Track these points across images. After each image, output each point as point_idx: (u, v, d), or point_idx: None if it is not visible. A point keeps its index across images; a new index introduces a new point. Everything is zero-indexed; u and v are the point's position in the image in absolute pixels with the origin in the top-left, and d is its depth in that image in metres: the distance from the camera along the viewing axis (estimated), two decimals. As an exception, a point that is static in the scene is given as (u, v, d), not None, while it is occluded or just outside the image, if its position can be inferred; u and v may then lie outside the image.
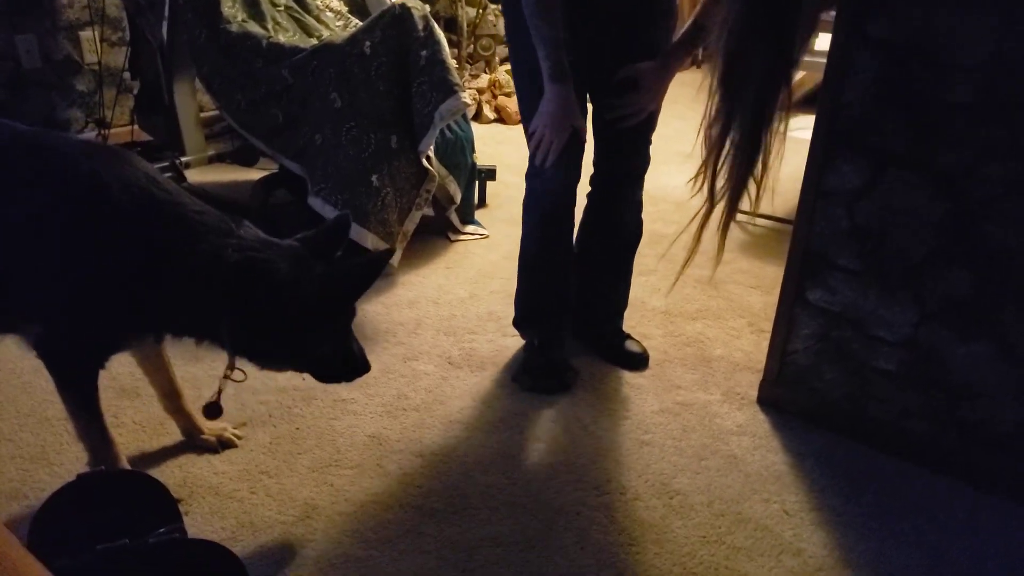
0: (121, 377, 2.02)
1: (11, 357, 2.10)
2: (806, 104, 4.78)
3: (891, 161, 1.67)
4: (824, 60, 1.73)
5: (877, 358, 1.82)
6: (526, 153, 1.92)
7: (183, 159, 3.39)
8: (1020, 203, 1.55)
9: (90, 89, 3.45)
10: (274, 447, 1.80)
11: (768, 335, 2.01)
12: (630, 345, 2.21)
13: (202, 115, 3.44)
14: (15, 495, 1.62)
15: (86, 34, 3.39)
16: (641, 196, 2.09)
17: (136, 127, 3.47)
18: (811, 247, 1.84)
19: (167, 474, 1.70)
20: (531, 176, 1.95)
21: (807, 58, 2.86)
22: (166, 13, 2.89)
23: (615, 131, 1.93)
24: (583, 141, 1.87)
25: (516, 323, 2.17)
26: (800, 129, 4.80)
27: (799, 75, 4.65)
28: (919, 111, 1.61)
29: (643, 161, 2.04)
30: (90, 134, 3.43)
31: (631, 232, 2.13)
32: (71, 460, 1.73)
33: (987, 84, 1.52)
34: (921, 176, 1.64)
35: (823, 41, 2.70)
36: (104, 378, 1.99)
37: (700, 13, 1.79)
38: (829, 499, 1.72)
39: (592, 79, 1.89)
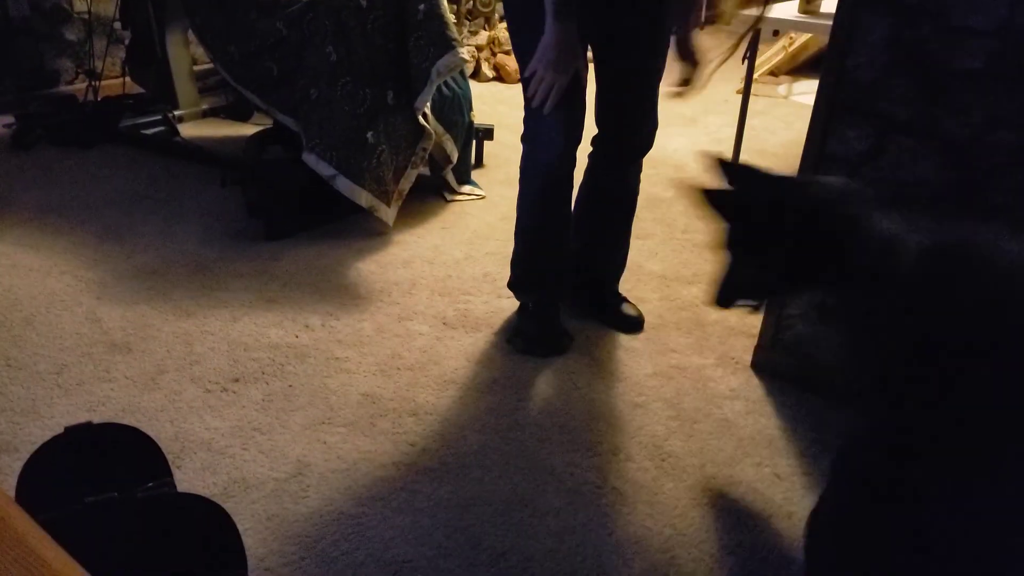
0: (112, 332, 2.01)
1: (0, 310, 2.09)
2: (810, 68, 4.73)
3: (898, 127, 1.64)
4: (830, 23, 1.69)
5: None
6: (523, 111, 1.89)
7: (176, 113, 3.35)
8: (1024, 171, 1.53)
9: (80, 39, 3.39)
10: (267, 404, 1.80)
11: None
12: (626, 308, 2.20)
13: (195, 68, 3.38)
14: (5, 448, 1.62)
15: (76, -19, 3.32)
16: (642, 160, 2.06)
17: (128, 79, 3.41)
18: (811, 212, 1.82)
19: (159, 429, 1.69)
20: (528, 140, 1.90)
21: (813, 20, 2.82)
22: (158, -39, 2.83)
23: (620, 98, 1.89)
24: (584, 87, 1.77)
25: (511, 286, 2.16)
26: (803, 94, 4.74)
27: (803, 37, 4.60)
28: (928, 76, 1.57)
29: (653, 125, 1.98)
30: (80, 85, 3.37)
31: (632, 196, 2.10)
32: (61, 413, 1.72)
33: (998, 50, 1.48)
34: (928, 144, 1.61)
35: (830, 3, 2.65)
36: (95, 332, 2.00)
37: None
38: (820, 464, 1.73)
39: (596, 34, 1.84)
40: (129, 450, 1.04)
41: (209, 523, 0.99)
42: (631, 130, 1.97)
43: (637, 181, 2.09)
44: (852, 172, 1.73)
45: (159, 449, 1.06)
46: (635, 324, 2.18)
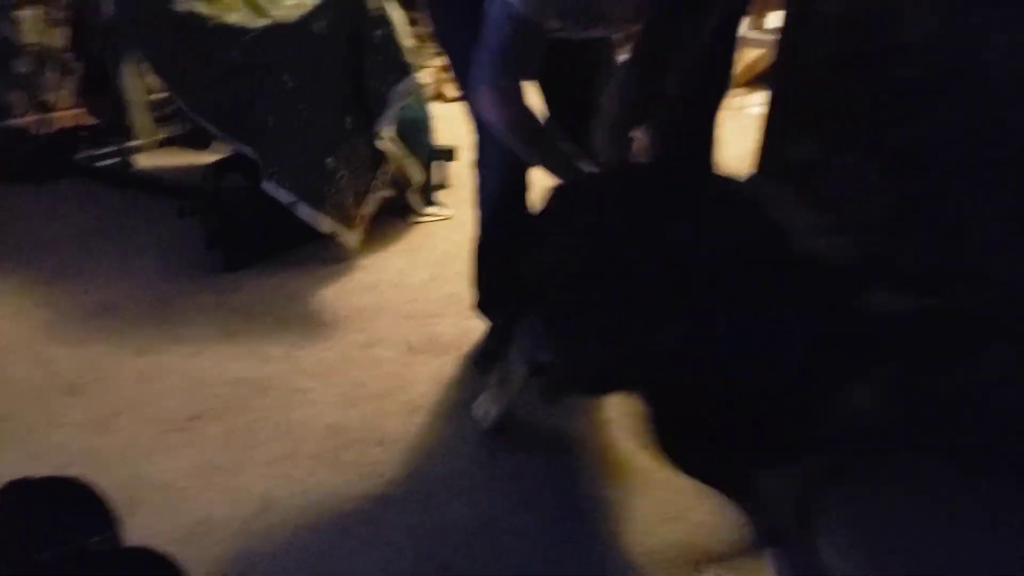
0: (65, 374, 1.96)
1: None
2: (763, 81, 4.81)
3: (843, 138, 1.67)
4: (777, 38, 1.72)
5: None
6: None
7: (133, 143, 3.31)
8: (969, 181, 1.56)
9: (31, 71, 3.33)
10: (228, 441, 1.77)
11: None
12: None
13: (151, 97, 3.35)
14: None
15: (24, 13, 3.26)
16: None
17: (82, 110, 3.37)
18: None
19: (114, 474, 1.65)
20: (478, 165, 1.92)
21: (761, 36, 2.87)
22: (109, -8, 2.81)
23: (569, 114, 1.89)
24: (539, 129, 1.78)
25: (474, 307, 2.15)
26: (757, 105, 4.81)
27: (756, 53, 4.68)
28: (869, 88, 1.61)
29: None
30: (32, 118, 3.31)
31: None
32: (8, 463, 1.65)
33: (934, 62, 1.52)
34: (872, 154, 1.64)
35: (776, 19, 2.71)
36: (46, 375, 1.96)
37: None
38: (787, 474, 1.74)
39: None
40: (73, 503, 1.01)
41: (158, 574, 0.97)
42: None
43: None
44: (801, 182, 1.76)
45: (105, 501, 1.03)
46: None
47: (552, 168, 1.56)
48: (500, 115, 1.53)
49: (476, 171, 1.93)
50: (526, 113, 1.53)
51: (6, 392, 1.90)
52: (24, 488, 0.96)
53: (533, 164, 1.63)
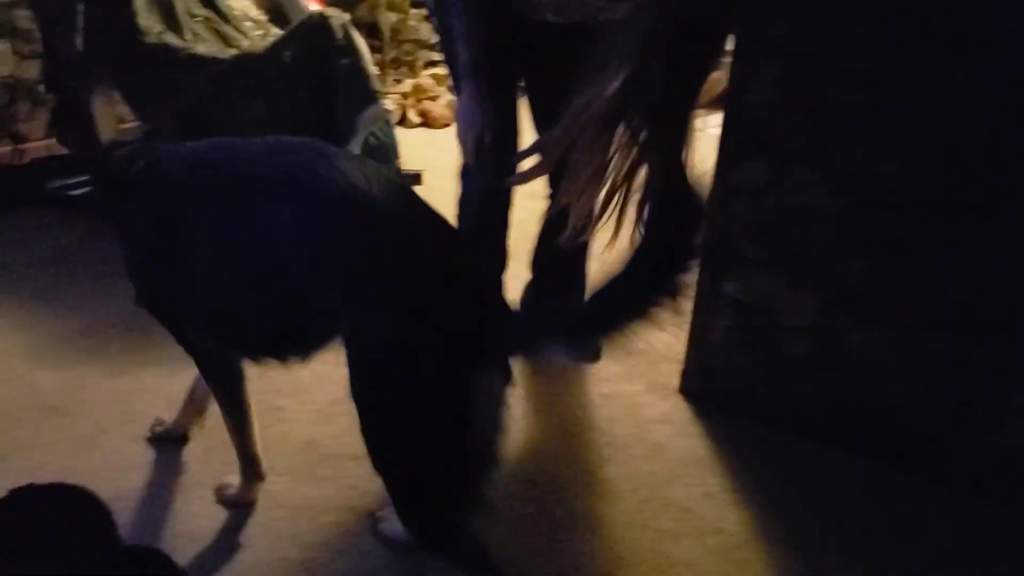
0: (48, 395, 1.99)
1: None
2: (719, 103, 4.97)
3: (791, 160, 1.78)
4: (729, 61, 1.83)
5: (787, 345, 1.93)
6: (453, 156, 1.97)
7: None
8: (909, 198, 1.67)
9: (2, 103, 3.36)
10: (208, 457, 1.81)
11: (688, 327, 2.11)
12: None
13: (122, 127, 3.38)
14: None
15: (-4, 47, 3.30)
16: None
17: (53, 140, 3.39)
18: (723, 241, 1.94)
19: (98, 489, 1.67)
20: (461, 175, 1.99)
21: (723, 59, 2.99)
22: (80, 25, 2.84)
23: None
24: (488, 144, 1.81)
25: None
26: (717, 127, 4.95)
27: (714, 76, 4.83)
28: (815, 112, 1.72)
29: None
30: (4, 148, 3.33)
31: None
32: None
33: (873, 86, 1.63)
34: (820, 173, 1.75)
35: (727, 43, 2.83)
36: (30, 397, 1.98)
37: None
38: (747, 480, 1.82)
39: (527, 77, 1.92)
40: (76, 510, 1.05)
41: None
42: None
43: None
44: (754, 200, 1.86)
45: (105, 508, 1.08)
46: (594, 352, 2.26)
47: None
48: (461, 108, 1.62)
49: (459, 180, 1.99)
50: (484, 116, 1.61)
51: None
52: (26, 495, 1.00)
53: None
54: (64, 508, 0.99)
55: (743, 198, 1.87)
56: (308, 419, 1.96)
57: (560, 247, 1.58)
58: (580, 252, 2.16)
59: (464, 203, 2.00)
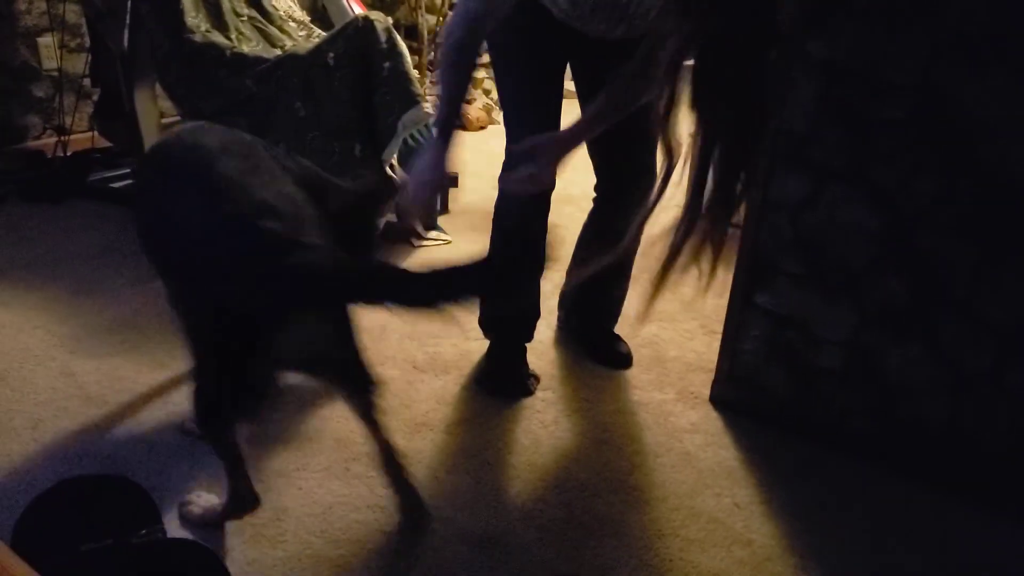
0: (87, 385, 2.04)
1: (-25, 366, 2.11)
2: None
3: (831, 175, 1.77)
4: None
5: (820, 358, 1.93)
6: (487, 159, 1.98)
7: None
8: (948, 216, 1.66)
9: (48, 95, 3.44)
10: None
11: (719, 336, 2.11)
12: (619, 346, 2.30)
13: (163, 121, 3.43)
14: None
15: (44, 40, 3.37)
16: None
17: (96, 133, 3.46)
18: (759, 254, 1.94)
19: (138, 479, 1.72)
20: (500, 181, 1.99)
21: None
22: (127, 20, 2.90)
23: (612, 144, 1.89)
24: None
25: (481, 325, 2.23)
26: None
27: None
28: (856, 128, 1.71)
29: (648, 173, 1.91)
30: (48, 140, 3.41)
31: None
32: (38, 467, 1.74)
33: (917, 103, 1.62)
34: (859, 190, 1.74)
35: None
36: (70, 386, 2.03)
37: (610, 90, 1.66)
38: (777, 492, 1.82)
39: (578, 80, 1.94)
40: (120, 499, 1.08)
41: (201, 566, 1.04)
42: (628, 173, 2.01)
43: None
44: (792, 214, 1.85)
45: (149, 497, 1.11)
46: (625, 361, 2.27)
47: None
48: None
49: (499, 186, 1.99)
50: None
51: (34, 402, 1.98)
52: (74, 485, 1.03)
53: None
54: (110, 499, 1.02)
55: (781, 211, 1.87)
56: (342, 417, 1.98)
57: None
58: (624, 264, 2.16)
59: (502, 208, 2.01)
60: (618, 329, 2.38)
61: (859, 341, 1.86)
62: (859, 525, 1.73)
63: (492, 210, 2.05)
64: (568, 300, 2.37)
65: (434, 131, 1.73)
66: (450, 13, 4.51)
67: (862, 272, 1.80)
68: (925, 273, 1.72)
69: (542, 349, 2.31)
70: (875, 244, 1.76)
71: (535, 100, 1.89)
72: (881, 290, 1.79)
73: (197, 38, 2.64)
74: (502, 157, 1.89)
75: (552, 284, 2.43)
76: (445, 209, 3.31)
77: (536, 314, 2.18)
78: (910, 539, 1.70)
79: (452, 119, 1.70)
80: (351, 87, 2.51)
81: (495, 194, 2.02)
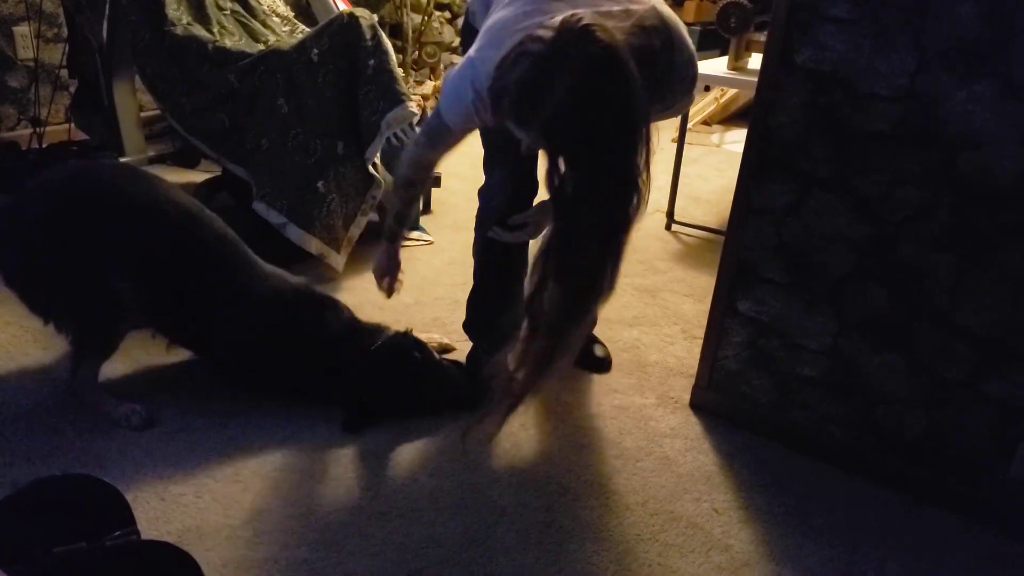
0: (61, 381, 2.00)
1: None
2: (740, 118, 4.97)
3: (816, 184, 1.78)
4: (755, 79, 1.83)
5: (800, 366, 1.94)
6: (471, 160, 1.97)
7: (123, 160, 3.34)
8: (930, 227, 1.67)
9: (23, 86, 3.38)
10: (224, 451, 1.82)
11: (700, 342, 2.11)
12: (597, 350, 2.30)
13: (142, 115, 3.38)
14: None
15: (20, 29, 3.32)
16: None
17: (72, 125, 3.40)
18: (741, 260, 1.94)
19: (112, 478, 1.68)
20: (481, 191, 1.99)
21: (740, 77, 3.00)
22: (107, 12, 2.85)
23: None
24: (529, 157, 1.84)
25: (465, 327, 2.23)
26: (734, 143, 4.97)
27: (731, 93, 4.84)
28: (841, 138, 1.72)
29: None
30: (23, 131, 3.35)
31: None
32: (9, 465, 1.71)
33: (901, 115, 1.64)
34: (843, 199, 1.75)
35: (756, 60, 2.84)
36: (43, 383, 1.99)
37: None
38: (755, 498, 1.83)
39: None
40: (93, 500, 1.06)
41: (176, 569, 1.02)
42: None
43: None
44: (776, 222, 1.86)
45: (123, 498, 1.09)
46: (604, 364, 2.27)
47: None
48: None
49: (479, 197, 1.99)
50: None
51: (5, 399, 1.94)
52: (45, 486, 1.01)
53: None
54: (82, 500, 1.00)
55: (765, 218, 1.88)
56: (323, 419, 1.96)
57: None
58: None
59: (483, 218, 2.00)
60: (598, 331, 2.39)
61: (839, 349, 1.87)
62: (836, 532, 1.74)
63: (473, 209, 2.03)
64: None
65: (384, 240, 2.01)
66: (435, 13, 4.52)
67: (844, 280, 1.81)
68: (906, 282, 1.74)
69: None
70: (857, 253, 1.77)
71: (508, 143, 1.87)
72: (862, 299, 1.80)
73: (178, 31, 2.60)
74: (482, 157, 1.93)
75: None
76: (428, 209, 3.30)
77: (519, 321, 2.16)
78: (887, 546, 1.71)
79: (400, 231, 2.01)
80: (335, 84, 2.48)
81: (475, 193, 2.01)
